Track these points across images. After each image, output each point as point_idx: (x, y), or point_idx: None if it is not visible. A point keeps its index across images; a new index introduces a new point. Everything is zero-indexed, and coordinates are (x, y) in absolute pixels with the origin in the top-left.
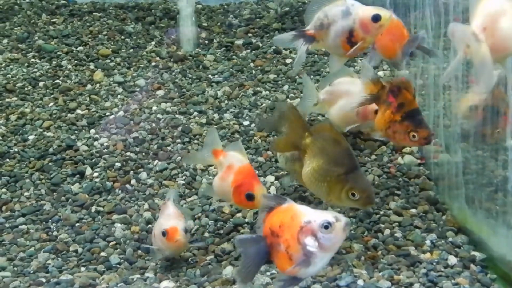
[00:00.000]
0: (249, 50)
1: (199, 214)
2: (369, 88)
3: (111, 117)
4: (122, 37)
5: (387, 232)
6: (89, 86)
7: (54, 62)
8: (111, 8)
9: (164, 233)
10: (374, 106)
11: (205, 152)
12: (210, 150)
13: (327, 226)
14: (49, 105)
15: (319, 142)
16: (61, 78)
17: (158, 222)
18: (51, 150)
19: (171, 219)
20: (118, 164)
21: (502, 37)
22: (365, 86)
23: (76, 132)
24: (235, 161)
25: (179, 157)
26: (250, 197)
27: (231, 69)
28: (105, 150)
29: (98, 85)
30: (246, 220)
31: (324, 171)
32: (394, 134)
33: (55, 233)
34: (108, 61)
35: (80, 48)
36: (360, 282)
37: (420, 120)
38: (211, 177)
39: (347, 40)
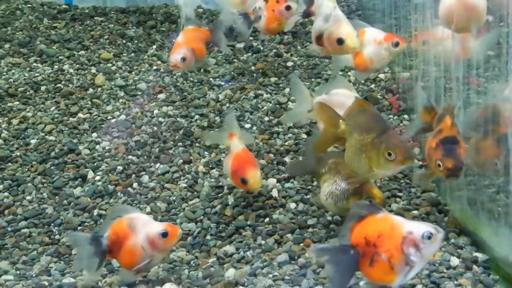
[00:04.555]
0: (250, 53)
1: (201, 217)
2: (423, 117)
3: (113, 120)
4: (124, 41)
5: None
6: (90, 90)
7: (55, 66)
8: (112, 12)
9: (164, 234)
10: None
11: (223, 134)
12: (227, 133)
13: (430, 236)
14: (51, 109)
15: (351, 121)
16: (62, 82)
17: (138, 236)
18: (53, 154)
19: (156, 222)
20: (120, 168)
21: None
22: (420, 114)
23: (78, 136)
24: (233, 146)
25: (181, 160)
26: (244, 181)
27: (232, 72)
28: (107, 153)
29: (99, 89)
30: (248, 222)
31: (359, 142)
32: (429, 161)
33: (57, 236)
34: (109, 65)
35: (82, 52)
36: (362, 283)
37: (449, 149)
38: (212, 180)
39: None
